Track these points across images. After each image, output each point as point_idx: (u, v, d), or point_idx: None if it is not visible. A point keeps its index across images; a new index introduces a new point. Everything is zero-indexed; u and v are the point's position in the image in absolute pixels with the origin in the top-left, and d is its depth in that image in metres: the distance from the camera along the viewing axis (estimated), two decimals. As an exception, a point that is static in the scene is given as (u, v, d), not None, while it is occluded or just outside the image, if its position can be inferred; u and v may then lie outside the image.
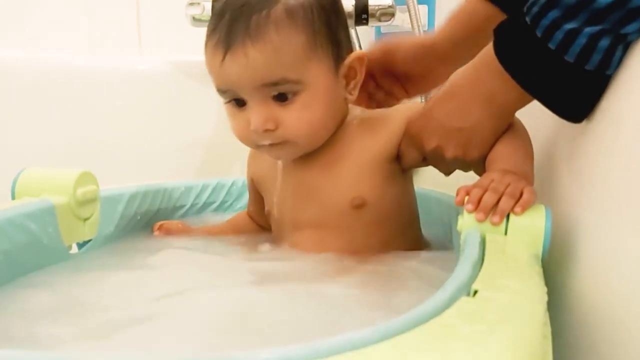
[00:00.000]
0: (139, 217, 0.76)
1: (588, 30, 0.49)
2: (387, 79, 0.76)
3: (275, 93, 0.60)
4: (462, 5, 0.74)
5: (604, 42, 0.49)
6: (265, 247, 0.70)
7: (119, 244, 0.71)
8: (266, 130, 0.61)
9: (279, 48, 0.58)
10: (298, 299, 0.48)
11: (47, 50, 1.18)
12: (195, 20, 1.01)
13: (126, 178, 0.94)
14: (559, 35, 0.50)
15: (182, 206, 0.85)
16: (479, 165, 0.63)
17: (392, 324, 0.30)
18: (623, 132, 0.47)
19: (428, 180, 0.86)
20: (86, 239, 0.68)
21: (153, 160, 1.14)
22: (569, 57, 0.50)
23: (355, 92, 0.66)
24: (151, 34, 1.28)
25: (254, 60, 0.58)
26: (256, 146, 0.64)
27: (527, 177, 0.57)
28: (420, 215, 0.78)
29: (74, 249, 0.67)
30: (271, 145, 0.62)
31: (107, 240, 0.71)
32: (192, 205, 0.87)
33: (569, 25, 0.49)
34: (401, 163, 0.67)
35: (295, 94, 0.60)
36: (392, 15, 1.03)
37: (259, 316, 0.45)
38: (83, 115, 1.13)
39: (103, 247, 0.69)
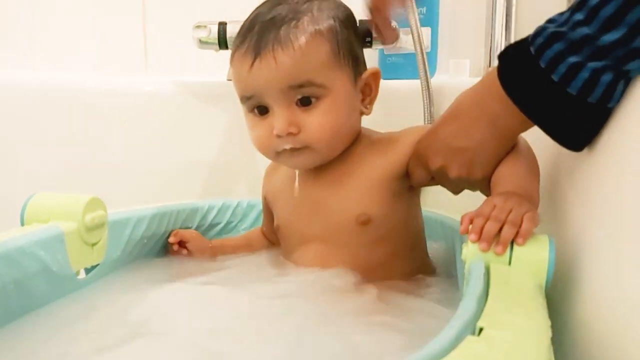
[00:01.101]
0: (145, 241, 0.77)
1: (591, 65, 0.50)
2: None
3: (300, 97, 0.63)
4: None
5: (607, 77, 0.50)
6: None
7: (126, 270, 0.72)
8: (289, 134, 0.63)
9: (306, 53, 0.63)
10: (300, 339, 0.48)
11: (54, 71, 1.19)
12: (202, 42, 1.02)
13: (131, 198, 0.94)
14: (562, 68, 0.51)
15: (187, 228, 0.85)
16: (484, 185, 0.63)
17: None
18: (627, 164, 0.48)
19: (430, 202, 0.87)
20: (94, 264, 0.68)
21: (158, 181, 1.14)
22: (572, 90, 0.51)
23: (370, 108, 0.70)
24: (157, 55, 1.29)
25: (283, 63, 0.62)
26: (276, 154, 0.66)
27: (532, 197, 0.58)
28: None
29: (82, 274, 0.67)
30: (292, 150, 0.65)
31: (114, 265, 0.71)
32: (198, 227, 0.87)
33: (573, 59, 0.50)
34: (411, 182, 0.69)
35: (318, 98, 0.64)
36: (396, 38, 1.04)
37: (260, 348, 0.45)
38: (89, 136, 1.14)
39: (110, 274, 0.70)
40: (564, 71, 0.51)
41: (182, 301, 0.59)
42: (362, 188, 0.68)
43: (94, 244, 0.67)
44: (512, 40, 1.11)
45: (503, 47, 1.12)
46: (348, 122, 0.67)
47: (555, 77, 0.52)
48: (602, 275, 0.50)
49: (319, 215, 0.70)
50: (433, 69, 1.16)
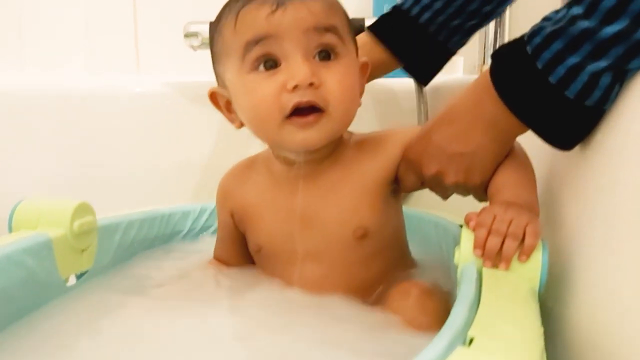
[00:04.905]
0: (136, 245, 0.76)
1: (591, 67, 0.48)
2: None
3: (320, 49, 0.58)
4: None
5: (606, 79, 0.48)
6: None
7: (116, 276, 0.70)
8: (311, 85, 0.56)
9: (333, 5, 0.61)
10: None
11: (45, 73, 1.18)
12: (194, 47, 1.01)
13: (123, 200, 0.94)
14: (561, 70, 0.49)
15: (179, 231, 0.85)
16: (480, 190, 0.62)
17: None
18: (622, 165, 0.47)
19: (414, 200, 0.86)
20: (83, 270, 0.67)
21: (150, 183, 1.13)
22: (570, 93, 0.50)
23: (360, 101, 0.65)
24: (149, 55, 1.28)
25: (312, 6, 0.58)
26: (282, 122, 0.58)
27: (532, 206, 0.56)
28: (417, 240, 0.79)
29: (73, 279, 0.66)
30: (310, 110, 0.57)
31: (104, 270, 0.70)
32: (190, 230, 0.86)
33: (572, 60, 0.49)
34: (399, 187, 0.66)
35: (337, 55, 0.59)
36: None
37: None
38: (80, 139, 1.13)
39: (99, 280, 0.69)
40: (562, 74, 0.49)
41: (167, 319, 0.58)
42: (356, 197, 0.64)
43: (83, 250, 0.66)
44: (506, 37, 1.12)
45: (496, 44, 1.12)
46: (358, 96, 0.63)
47: (552, 80, 0.50)
48: (595, 278, 0.49)
49: (312, 231, 0.64)
50: (427, 67, 1.15)
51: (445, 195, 0.66)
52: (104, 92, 1.15)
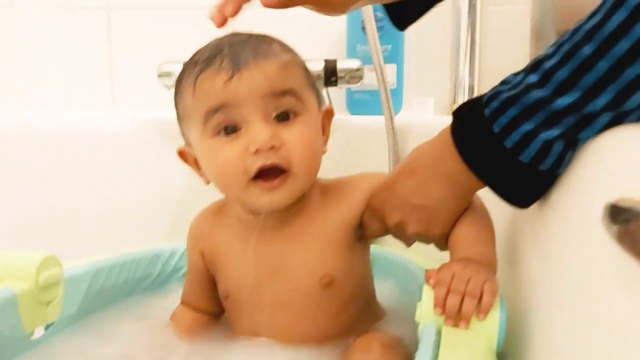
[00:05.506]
0: (104, 292, 0.75)
1: (544, 135, 0.50)
2: None
3: (278, 112, 0.60)
4: None
5: (558, 147, 0.50)
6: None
7: (82, 327, 0.70)
8: (272, 148, 0.58)
9: (288, 66, 0.61)
10: None
11: (18, 110, 1.18)
12: (168, 87, 1.02)
13: (95, 239, 0.93)
14: (515, 135, 0.51)
15: (149, 275, 0.84)
16: (441, 241, 0.63)
17: None
18: (575, 227, 0.48)
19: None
20: (48, 322, 0.66)
21: (123, 221, 1.13)
22: (524, 158, 0.51)
23: (325, 148, 0.67)
24: (124, 90, 1.28)
25: (267, 71, 0.59)
26: (247, 184, 0.59)
27: (490, 261, 0.58)
28: (386, 282, 0.80)
29: (41, 329, 0.66)
30: (274, 172, 0.59)
31: (71, 321, 0.70)
32: (160, 273, 0.85)
33: (526, 127, 0.50)
34: (364, 233, 0.67)
35: (296, 115, 0.61)
36: (360, 78, 1.04)
37: None
38: (49, 179, 1.12)
39: (65, 332, 0.68)
40: (517, 139, 0.51)
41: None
42: (322, 244, 0.65)
43: (49, 302, 0.66)
44: (476, 79, 1.15)
45: (466, 85, 1.15)
46: (320, 150, 0.65)
47: (507, 144, 0.52)
48: (552, 335, 0.50)
49: (278, 279, 0.65)
50: (399, 105, 1.17)
51: (408, 243, 0.67)
52: (75, 130, 1.14)
